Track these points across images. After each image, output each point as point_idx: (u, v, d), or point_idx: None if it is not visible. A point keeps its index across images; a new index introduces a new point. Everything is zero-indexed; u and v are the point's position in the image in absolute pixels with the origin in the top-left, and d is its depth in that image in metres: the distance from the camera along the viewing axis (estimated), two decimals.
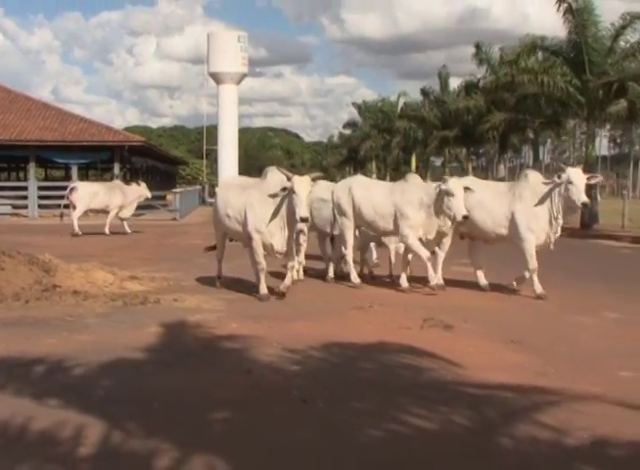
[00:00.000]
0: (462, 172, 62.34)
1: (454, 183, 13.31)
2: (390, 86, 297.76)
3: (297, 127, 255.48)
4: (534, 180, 13.91)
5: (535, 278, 13.28)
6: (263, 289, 12.67)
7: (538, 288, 13.19)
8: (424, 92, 63.62)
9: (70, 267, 13.90)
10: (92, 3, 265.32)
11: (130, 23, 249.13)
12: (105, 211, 28.99)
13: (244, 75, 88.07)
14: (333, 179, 38.72)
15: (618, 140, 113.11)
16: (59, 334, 9.66)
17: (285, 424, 6.35)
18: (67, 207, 28.92)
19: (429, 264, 13.55)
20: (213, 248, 15.05)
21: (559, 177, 13.30)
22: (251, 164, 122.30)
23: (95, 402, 6.82)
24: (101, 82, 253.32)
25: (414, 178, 14.93)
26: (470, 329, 10.39)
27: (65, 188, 39.66)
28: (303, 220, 12.20)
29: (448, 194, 13.09)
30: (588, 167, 37.72)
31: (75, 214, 28.25)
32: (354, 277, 14.56)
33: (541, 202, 13.47)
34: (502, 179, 52.38)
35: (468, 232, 14.43)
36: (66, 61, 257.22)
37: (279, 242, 12.50)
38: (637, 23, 34.20)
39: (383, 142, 74.65)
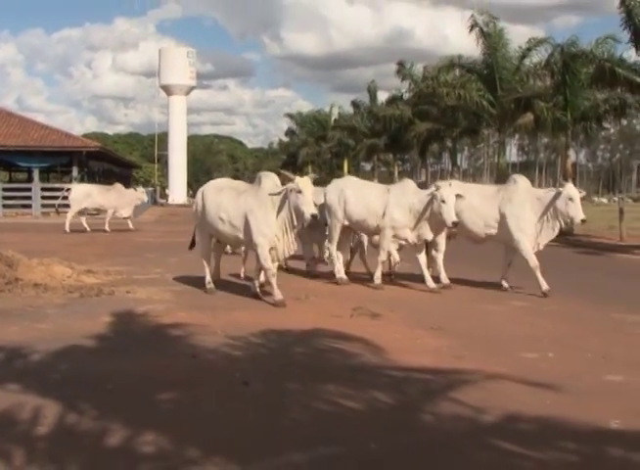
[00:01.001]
0: (389, 176, 62.75)
1: (447, 190, 12.70)
2: (325, 99, 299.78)
3: (240, 135, 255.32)
4: (523, 185, 13.53)
5: (539, 275, 12.75)
6: (278, 294, 11.34)
7: (544, 285, 12.65)
8: (355, 104, 63.96)
9: (32, 262, 13.69)
10: (54, 20, 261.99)
11: (89, 39, 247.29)
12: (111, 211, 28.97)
13: (192, 88, 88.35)
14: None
15: (526, 148, 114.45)
16: (20, 323, 9.53)
17: (227, 403, 6.31)
18: (66, 205, 29.39)
19: (379, 267, 13.39)
20: (192, 245, 13.81)
21: (559, 192, 12.74)
22: (199, 168, 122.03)
23: (52, 385, 6.73)
24: (61, 93, 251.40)
25: (408, 182, 14.14)
26: (395, 317, 10.42)
27: (27, 190, 39.44)
28: (314, 217, 11.29)
29: (441, 200, 12.56)
30: (500, 172, 38.29)
31: (69, 214, 28.45)
32: (338, 271, 13.96)
33: (536, 208, 12.97)
34: (424, 183, 52.62)
35: (458, 233, 13.93)
36: (29, 73, 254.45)
37: (284, 246, 11.50)
38: (540, 47, 34.88)
39: (318, 149, 74.84)
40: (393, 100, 54.85)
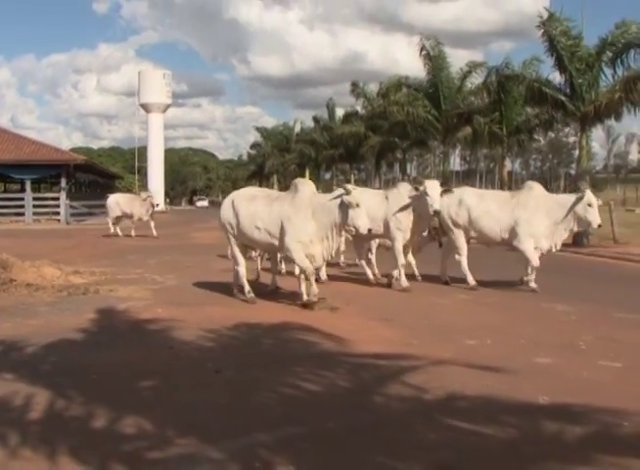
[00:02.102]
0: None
1: (429, 184, 12.31)
2: (288, 115, 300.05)
3: (212, 148, 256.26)
4: (539, 191, 13.00)
5: (533, 275, 12.55)
6: (315, 297, 10.64)
7: (533, 284, 12.48)
8: (315, 119, 64.09)
9: (24, 264, 13.62)
10: (43, 46, 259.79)
11: (75, 63, 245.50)
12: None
13: (168, 106, 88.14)
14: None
15: (467, 158, 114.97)
16: (13, 319, 9.48)
17: (201, 389, 6.30)
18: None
19: (401, 270, 12.78)
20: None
21: (580, 198, 12.30)
22: (175, 178, 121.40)
23: (43, 375, 6.71)
24: (51, 111, 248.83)
25: (404, 186, 13.36)
26: (351, 310, 10.45)
27: (20, 199, 39.23)
28: (369, 231, 10.61)
29: (424, 193, 12.13)
30: (445, 180, 38.48)
31: (108, 220, 28.72)
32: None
33: (552, 213, 12.50)
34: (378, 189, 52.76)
35: (475, 237, 13.42)
36: (22, 94, 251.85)
37: (320, 252, 10.63)
38: (478, 69, 35.36)
39: (282, 159, 74.87)
40: (349, 116, 55.02)
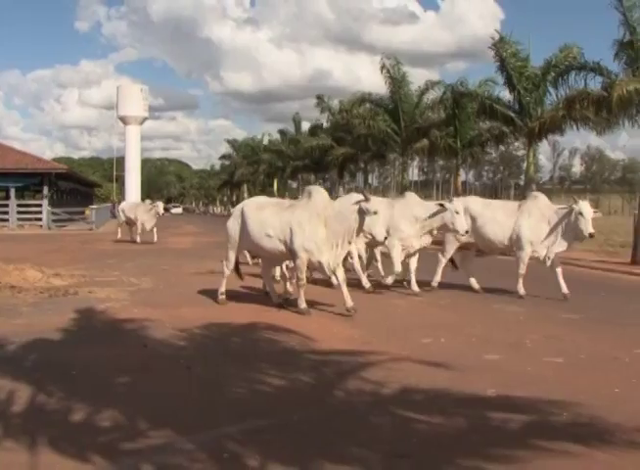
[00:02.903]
0: None
1: (457, 203, 11.95)
2: (258, 128, 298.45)
3: (187, 158, 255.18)
4: (543, 201, 12.61)
5: (521, 282, 12.25)
6: (303, 303, 10.26)
7: (521, 290, 12.21)
8: (282, 132, 64.06)
9: (8, 267, 13.57)
10: (28, 62, 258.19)
11: (58, 78, 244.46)
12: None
13: (145, 118, 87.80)
14: (214, 199, 38.79)
15: (425, 169, 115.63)
16: None
17: (173, 385, 6.31)
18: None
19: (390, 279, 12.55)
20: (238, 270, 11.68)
21: (572, 209, 11.89)
22: (152, 187, 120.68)
23: (25, 371, 6.67)
24: (34, 123, 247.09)
25: (411, 196, 13.09)
26: (315, 311, 10.44)
27: (4, 206, 38.89)
28: (385, 239, 10.47)
29: (455, 212, 11.76)
30: (403, 189, 38.67)
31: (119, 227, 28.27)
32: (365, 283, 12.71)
33: (551, 224, 12.15)
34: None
35: (478, 245, 13.10)
36: (7, 107, 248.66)
37: (329, 259, 10.07)
38: (435, 87, 35.66)
39: (252, 170, 74.77)
40: (315, 129, 55.04)
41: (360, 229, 10.12)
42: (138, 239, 27.12)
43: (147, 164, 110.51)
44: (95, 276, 14.53)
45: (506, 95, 27.86)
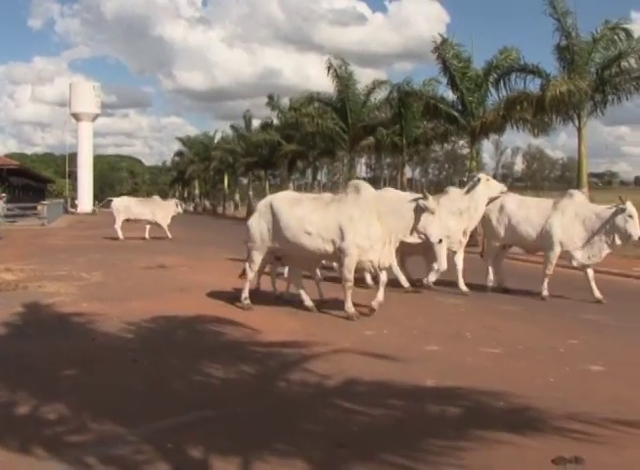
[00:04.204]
0: (262, 190, 62.70)
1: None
2: (209, 125, 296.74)
3: (139, 154, 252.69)
4: (579, 200, 11.82)
5: (546, 283, 11.56)
6: (351, 308, 9.41)
7: (545, 291, 11.53)
8: (233, 128, 63.76)
9: None
10: None
11: (11, 75, 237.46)
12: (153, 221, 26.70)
13: (97, 115, 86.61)
14: (166, 195, 38.59)
15: (373, 166, 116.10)
16: None
17: (120, 378, 6.24)
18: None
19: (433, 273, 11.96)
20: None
21: (622, 210, 11.00)
22: (104, 183, 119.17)
23: None
24: None
25: (455, 191, 12.44)
26: (262, 304, 10.36)
27: None
28: (440, 241, 10.05)
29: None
30: None
31: (116, 225, 26.18)
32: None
33: (590, 223, 11.31)
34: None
35: (514, 243, 12.49)
36: None
37: (381, 257, 9.38)
38: (382, 86, 35.90)
39: (203, 166, 74.26)
40: (265, 126, 54.92)
41: (414, 228, 9.47)
42: (147, 235, 26.45)
43: (100, 161, 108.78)
44: (45, 271, 14.30)
45: (450, 95, 28.17)
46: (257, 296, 10.74)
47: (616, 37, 22.96)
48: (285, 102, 48.98)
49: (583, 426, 4.87)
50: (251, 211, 47.55)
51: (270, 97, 49.08)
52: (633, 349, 7.82)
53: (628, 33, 22.97)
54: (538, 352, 7.55)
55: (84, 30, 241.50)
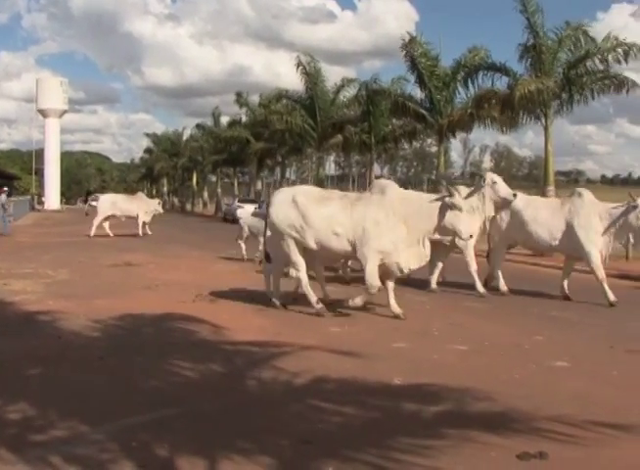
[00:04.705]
0: (231, 186, 62.53)
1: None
2: (178, 122, 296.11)
3: (107, 151, 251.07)
4: (589, 198, 11.46)
5: (606, 286, 10.97)
6: (397, 308, 9.27)
7: (611, 296, 10.87)
8: (201, 126, 63.46)
9: None
10: None
11: None
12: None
13: (65, 111, 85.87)
14: (135, 192, 38.19)
15: (341, 164, 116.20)
16: None
17: (85, 375, 6.19)
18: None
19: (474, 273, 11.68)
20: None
21: (634, 207, 10.79)
22: (71, 180, 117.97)
23: None
24: None
25: (462, 191, 11.33)
26: (229, 302, 10.40)
27: None
28: (470, 238, 9.75)
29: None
30: (319, 183, 38.88)
31: (95, 220, 26.12)
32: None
33: (603, 221, 11.05)
34: (259, 192, 52.99)
35: (522, 243, 12.22)
36: None
37: (406, 259, 9.10)
38: (351, 84, 36.02)
39: (172, 163, 73.90)
40: (233, 123, 54.77)
41: (442, 226, 9.21)
42: (141, 232, 26.56)
43: (67, 157, 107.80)
44: (11, 268, 14.17)
45: (418, 93, 28.32)
46: (227, 294, 10.72)
47: (581, 38, 23.23)
48: (254, 99, 49.10)
49: (548, 422, 4.91)
50: (219, 209, 47.32)
51: (239, 94, 49.10)
52: (597, 345, 7.91)
53: (586, 35, 23.26)
54: (504, 348, 7.60)
55: (51, 25, 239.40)
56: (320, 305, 9.46)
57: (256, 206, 40.59)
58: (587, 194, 11.59)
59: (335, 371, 6.33)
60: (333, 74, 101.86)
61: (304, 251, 9.57)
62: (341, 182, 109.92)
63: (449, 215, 9.10)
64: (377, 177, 40.55)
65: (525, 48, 23.64)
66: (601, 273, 11.03)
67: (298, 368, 6.36)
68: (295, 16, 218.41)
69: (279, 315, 9.37)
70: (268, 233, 10.16)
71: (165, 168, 76.40)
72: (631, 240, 11.09)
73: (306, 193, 9.74)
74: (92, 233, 25.35)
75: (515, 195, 11.13)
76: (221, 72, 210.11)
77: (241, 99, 49.02)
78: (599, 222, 11.10)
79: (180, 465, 4.19)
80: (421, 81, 27.13)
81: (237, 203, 46.13)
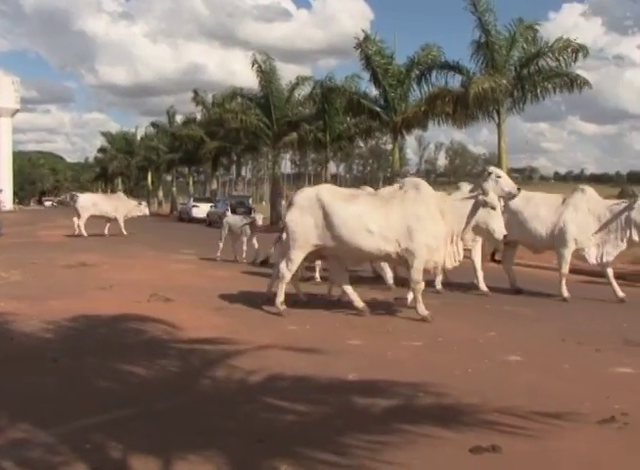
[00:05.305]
0: (186, 186, 62.15)
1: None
2: (133, 121, 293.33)
3: (61, 151, 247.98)
4: (591, 194, 11.31)
5: (564, 283, 11.02)
6: (423, 309, 9.03)
7: (565, 292, 10.98)
8: (154, 125, 63.05)
9: None
10: None
11: None
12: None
13: (17, 111, 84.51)
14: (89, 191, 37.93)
15: (298, 162, 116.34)
16: None
17: (38, 377, 6.10)
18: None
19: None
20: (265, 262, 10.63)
21: (634, 202, 10.68)
22: (24, 180, 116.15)
23: None
24: None
25: (466, 187, 10.94)
26: (185, 301, 10.32)
27: None
28: (505, 237, 9.29)
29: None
30: (275, 181, 38.90)
31: (80, 221, 25.77)
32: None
33: (604, 219, 10.89)
34: (215, 191, 52.82)
35: (520, 241, 11.77)
36: None
37: (442, 259, 9.03)
38: (306, 82, 36.09)
39: (126, 162, 73.26)
40: (188, 122, 54.54)
41: (475, 225, 9.11)
42: (125, 231, 26.29)
43: (19, 157, 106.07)
44: None
45: (373, 91, 28.52)
46: (182, 293, 10.65)
47: (531, 36, 23.57)
48: (209, 98, 48.85)
49: (500, 415, 4.97)
50: (174, 208, 47.00)
51: (196, 92, 48.98)
52: (550, 339, 8.01)
53: (536, 33, 23.62)
54: (458, 343, 7.67)
55: (2, 23, 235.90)
56: (283, 308, 9.29)
57: (212, 205, 40.61)
58: (590, 190, 11.46)
59: (290, 369, 6.32)
60: (288, 73, 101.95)
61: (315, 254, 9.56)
62: (297, 181, 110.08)
63: (482, 213, 9.00)
64: (333, 176, 40.66)
65: (477, 46, 23.91)
66: (565, 268, 11.01)
67: (253, 366, 6.35)
68: (249, 14, 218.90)
69: (235, 314, 9.33)
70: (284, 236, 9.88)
71: (120, 168, 75.70)
72: (634, 237, 10.70)
73: (331, 191, 9.50)
74: (85, 233, 25.30)
75: (519, 189, 10.84)
76: (176, 71, 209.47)
77: (198, 97, 48.84)
78: (595, 221, 10.96)
79: (134, 466, 4.15)
80: (375, 79, 27.33)
81: (192, 202, 45.98)
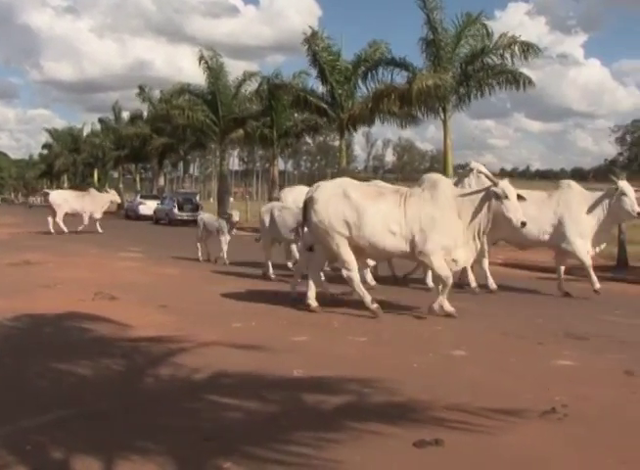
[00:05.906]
0: (133, 183, 61.56)
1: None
2: (79, 117, 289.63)
3: (5, 148, 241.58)
4: (577, 189, 11.38)
5: (592, 273, 11.01)
6: (449, 306, 8.95)
7: (596, 284, 10.96)
8: (101, 121, 62.33)
9: None
10: None
11: None
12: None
13: None
14: (34, 190, 37.32)
15: (245, 159, 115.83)
16: None
17: None
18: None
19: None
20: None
21: (615, 189, 10.79)
22: None
23: None
24: None
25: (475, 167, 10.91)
26: (130, 299, 10.22)
27: None
28: (524, 225, 8.86)
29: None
30: (222, 178, 38.70)
31: (57, 218, 25.62)
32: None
33: (591, 211, 10.91)
34: (162, 188, 52.29)
35: (507, 238, 11.72)
36: None
37: (464, 256, 8.87)
38: (252, 78, 36.03)
39: (72, 159, 72.20)
40: (134, 118, 53.98)
41: (502, 220, 8.91)
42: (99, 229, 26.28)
43: None
44: None
45: (320, 88, 28.56)
46: (128, 291, 10.54)
47: (478, 33, 23.83)
48: (156, 94, 48.38)
49: (445, 410, 5.01)
50: (122, 205, 46.39)
51: (141, 88, 48.40)
52: (494, 334, 8.11)
53: (483, 28, 23.90)
54: (403, 339, 7.74)
55: None
56: (375, 305, 9.06)
57: (159, 202, 40.21)
58: (575, 185, 11.54)
59: (235, 366, 6.29)
60: (236, 69, 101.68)
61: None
62: (245, 177, 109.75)
63: (497, 205, 8.79)
64: (281, 172, 40.62)
65: (425, 43, 24.11)
66: (588, 261, 11.00)
67: (198, 364, 6.30)
68: (196, 10, 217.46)
69: (180, 312, 9.24)
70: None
71: (66, 165, 74.55)
72: (618, 221, 11.05)
73: (358, 187, 9.22)
74: (65, 229, 25.21)
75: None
76: (122, 67, 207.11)
77: (143, 93, 48.30)
78: (590, 214, 10.98)
79: (76, 467, 4.09)
80: (322, 76, 27.38)
81: (139, 199, 45.45)
